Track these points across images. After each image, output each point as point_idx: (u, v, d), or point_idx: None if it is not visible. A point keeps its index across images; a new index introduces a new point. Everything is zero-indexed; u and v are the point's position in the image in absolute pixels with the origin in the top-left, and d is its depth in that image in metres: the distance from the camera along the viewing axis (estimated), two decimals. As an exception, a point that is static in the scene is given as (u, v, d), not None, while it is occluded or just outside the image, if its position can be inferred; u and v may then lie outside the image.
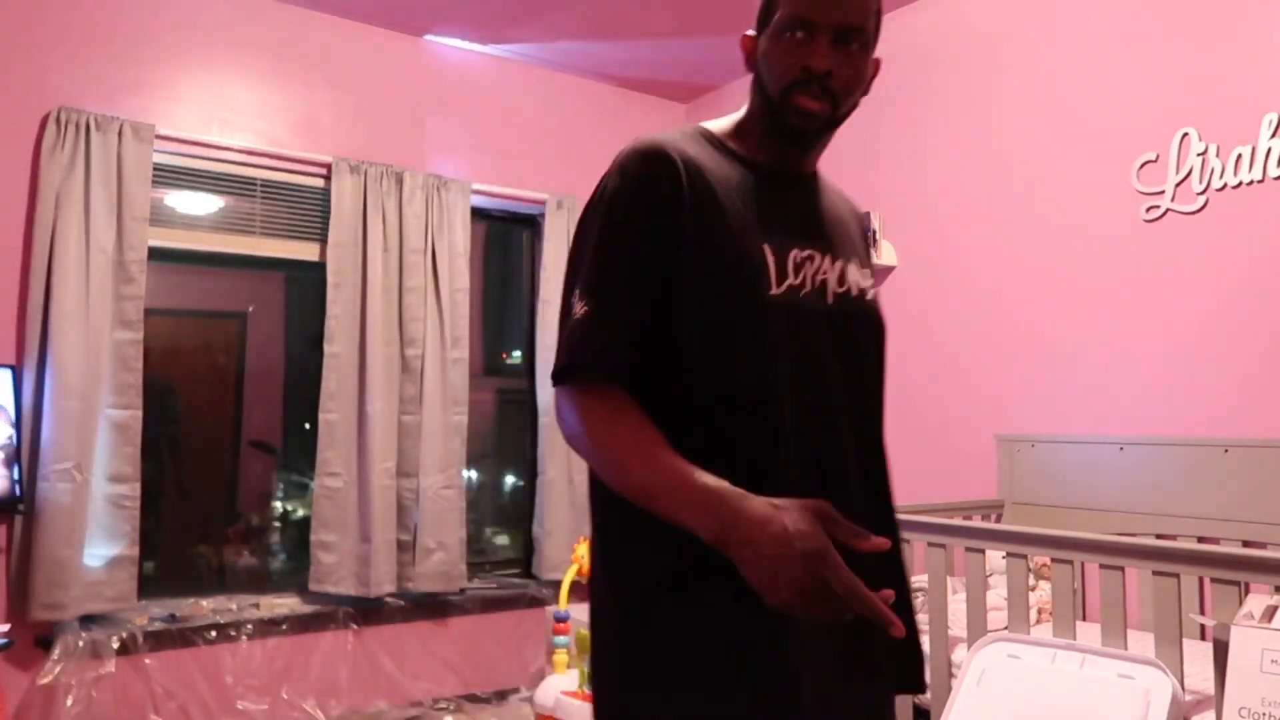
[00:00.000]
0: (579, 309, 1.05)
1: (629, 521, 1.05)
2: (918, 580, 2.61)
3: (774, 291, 1.08)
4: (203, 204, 3.44)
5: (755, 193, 1.13)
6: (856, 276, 1.19)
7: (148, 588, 3.29)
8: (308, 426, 3.65)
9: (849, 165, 3.76)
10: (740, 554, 0.91)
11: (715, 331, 1.06)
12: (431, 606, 3.69)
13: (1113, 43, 2.89)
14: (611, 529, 1.11)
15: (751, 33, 1.17)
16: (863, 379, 1.18)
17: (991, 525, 2.82)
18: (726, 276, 1.07)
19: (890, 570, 1.14)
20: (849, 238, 1.23)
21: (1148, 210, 2.77)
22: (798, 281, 1.11)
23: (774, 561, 0.89)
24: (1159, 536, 2.54)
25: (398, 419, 3.58)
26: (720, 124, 1.21)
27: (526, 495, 4.11)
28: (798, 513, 0.91)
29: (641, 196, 1.08)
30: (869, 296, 1.20)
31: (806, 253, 1.13)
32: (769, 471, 1.04)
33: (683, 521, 0.96)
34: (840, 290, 1.16)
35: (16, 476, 2.84)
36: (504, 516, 4.22)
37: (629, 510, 1.02)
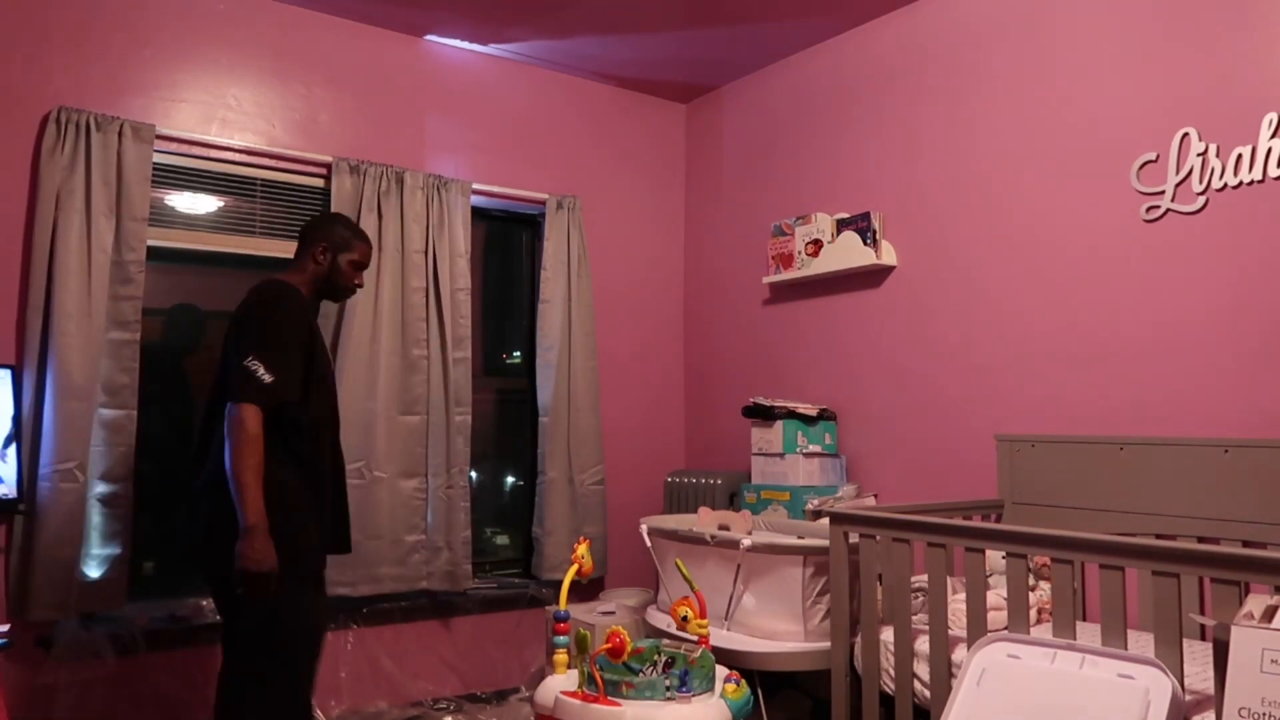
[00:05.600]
0: (261, 369, 2.29)
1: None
2: (918, 580, 2.61)
3: (330, 365, 2.65)
4: (203, 204, 3.44)
5: (312, 317, 2.58)
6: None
7: (148, 587, 3.29)
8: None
9: (850, 165, 3.77)
10: (247, 541, 2.19)
11: (317, 383, 2.44)
12: (432, 606, 3.69)
13: (1112, 43, 2.89)
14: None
15: (323, 245, 2.57)
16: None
17: (991, 525, 2.82)
18: (322, 358, 2.51)
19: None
20: None
21: (1148, 210, 2.77)
22: (328, 360, 2.65)
23: (256, 559, 2.19)
24: (1159, 536, 2.54)
25: (401, 419, 3.59)
26: (292, 279, 2.52)
27: (526, 495, 4.11)
28: (271, 558, 2.22)
29: (296, 318, 2.46)
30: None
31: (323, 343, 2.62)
32: (326, 439, 2.53)
33: (244, 504, 2.19)
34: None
35: (17, 477, 2.83)
36: (504, 516, 4.22)
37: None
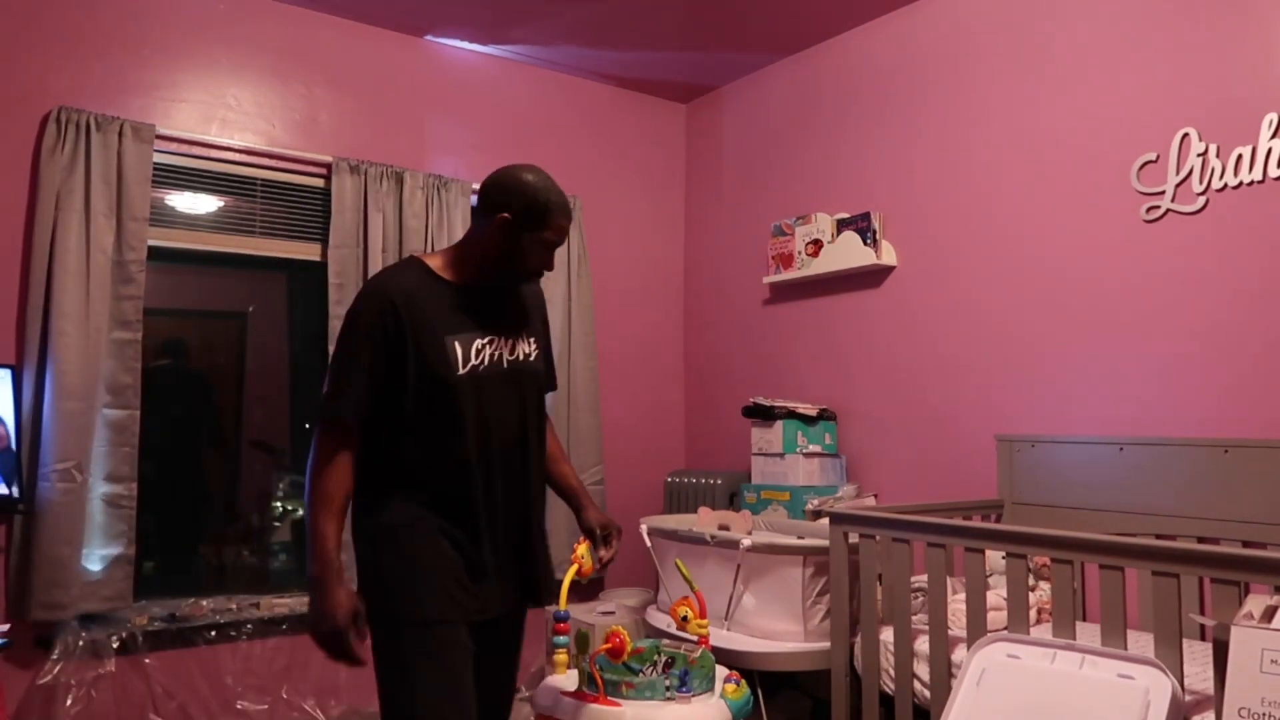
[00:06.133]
0: (330, 387, 1.81)
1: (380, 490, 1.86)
2: (918, 580, 2.61)
3: (460, 373, 1.83)
4: (203, 204, 3.44)
5: (457, 306, 1.86)
6: (523, 346, 1.96)
7: (148, 587, 3.29)
8: (308, 426, 3.66)
9: (850, 165, 3.77)
10: (310, 596, 1.74)
11: (422, 400, 1.81)
12: (431, 606, 3.68)
13: (1112, 43, 2.89)
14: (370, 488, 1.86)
15: (507, 216, 1.83)
16: (525, 401, 1.95)
17: (991, 525, 2.82)
18: (430, 365, 1.81)
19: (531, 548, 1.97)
20: (525, 320, 2.00)
21: (1148, 210, 2.77)
22: (478, 362, 1.86)
23: (315, 616, 1.73)
24: (1159, 536, 2.54)
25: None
26: (435, 260, 1.91)
27: (526, 495, 4.10)
28: (340, 612, 1.72)
29: (369, 325, 1.80)
30: (532, 358, 1.97)
31: (488, 339, 1.88)
32: (454, 475, 1.85)
33: (311, 547, 1.75)
34: (511, 358, 1.92)
35: (17, 476, 2.83)
36: (504, 516, 4.21)
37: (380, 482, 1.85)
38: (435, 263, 1.91)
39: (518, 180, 1.85)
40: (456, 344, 1.83)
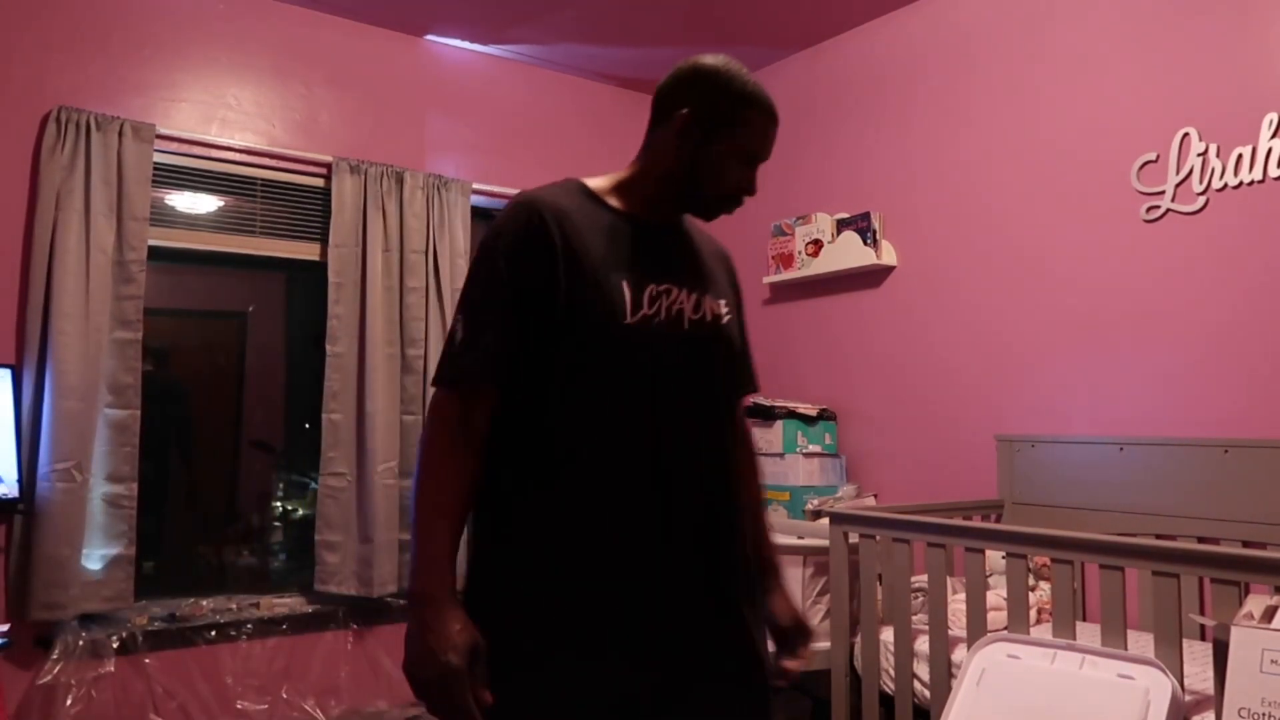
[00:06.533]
0: (459, 332, 1.28)
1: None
2: (918, 580, 2.61)
3: (628, 320, 1.28)
4: (203, 204, 3.44)
5: (624, 238, 1.34)
6: (711, 305, 1.40)
7: (148, 587, 3.29)
8: (308, 426, 3.65)
9: (850, 165, 3.77)
10: (411, 623, 1.20)
11: (577, 352, 1.27)
12: (431, 606, 3.68)
13: (1113, 43, 2.89)
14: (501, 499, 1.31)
15: (687, 113, 1.34)
16: (713, 385, 1.38)
17: (991, 525, 2.82)
18: (588, 306, 1.27)
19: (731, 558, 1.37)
20: (709, 274, 1.44)
21: (1148, 210, 2.77)
22: (651, 311, 1.31)
23: (416, 656, 1.18)
24: (1159, 536, 2.54)
25: (399, 419, 3.58)
26: (598, 181, 1.41)
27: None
28: (454, 651, 1.16)
29: (513, 244, 1.28)
30: (724, 320, 1.41)
31: (664, 286, 1.33)
32: (616, 457, 1.27)
33: (415, 555, 1.22)
34: (695, 317, 1.36)
35: (17, 476, 2.83)
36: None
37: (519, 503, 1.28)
38: (599, 184, 1.40)
39: (700, 67, 1.35)
40: (625, 284, 1.29)
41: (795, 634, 1.45)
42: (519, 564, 1.26)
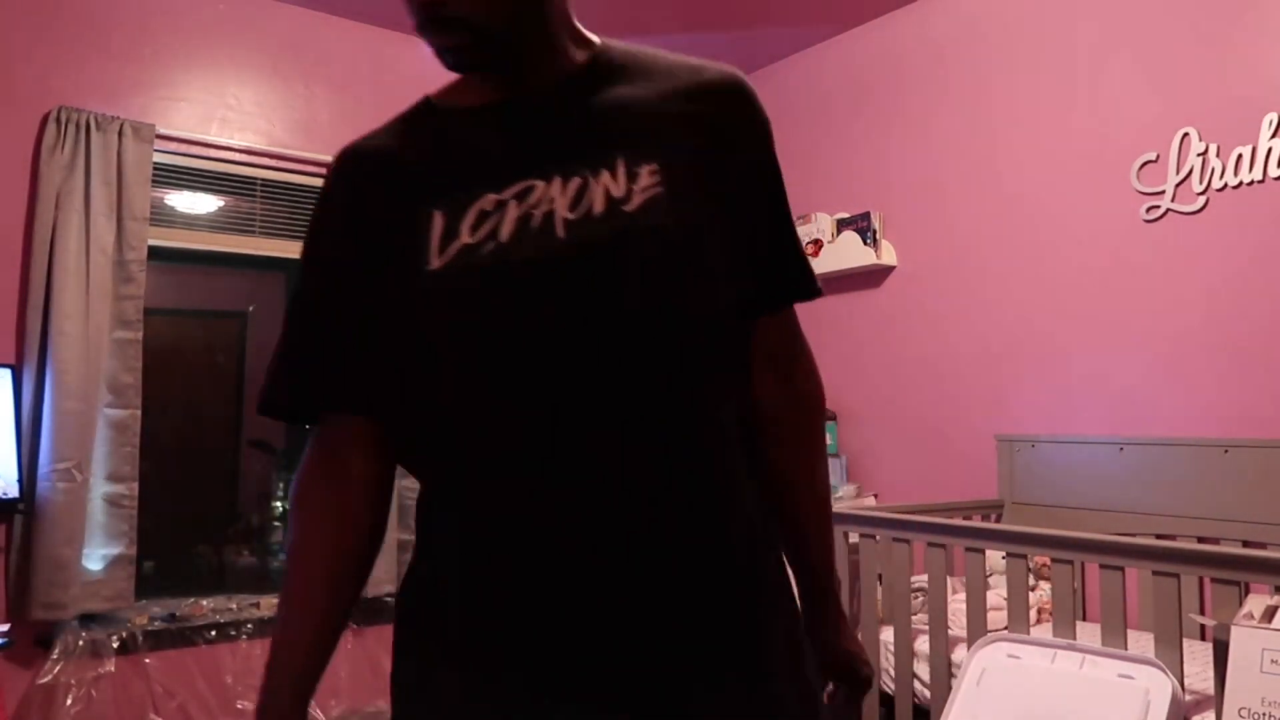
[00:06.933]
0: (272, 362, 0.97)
1: None
2: (918, 580, 2.61)
3: (433, 265, 0.84)
4: (203, 204, 3.44)
5: (452, 148, 0.95)
6: (611, 185, 0.86)
7: (148, 587, 3.28)
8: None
9: (850, 165, 3.77)
10: None
11: (395, 333, 0.89)
12: (431, 606, 3.68)
13: (1113, 43, 2.89)
14: None
15: None
16: (633, 323, 0.83)
17: (991, 525, 2.82)
18: (385, 269, 0.88)
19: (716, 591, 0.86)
20: (621, 134, 0.91)
21: (1148, 210, 2.77)
22: (476, 238, 0.84)
23: None
24: (1159, 536, 2.54)
25: (398, 419, 3.58)
26: (457, 82, 1.03)
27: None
28: None
29: (319, 214, 0.97)
30: (645, 201, 0.85)
31: (514, 189, 0.86)
32: (483, 469, 0.88)
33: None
34: (573, 215, 0.84)
35: (17, 476, 2.83)
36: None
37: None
38: (454, 85, 1.06)
39: None
40: (437, 214, 0.88)
41: (854, 679, 1.03)
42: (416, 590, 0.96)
